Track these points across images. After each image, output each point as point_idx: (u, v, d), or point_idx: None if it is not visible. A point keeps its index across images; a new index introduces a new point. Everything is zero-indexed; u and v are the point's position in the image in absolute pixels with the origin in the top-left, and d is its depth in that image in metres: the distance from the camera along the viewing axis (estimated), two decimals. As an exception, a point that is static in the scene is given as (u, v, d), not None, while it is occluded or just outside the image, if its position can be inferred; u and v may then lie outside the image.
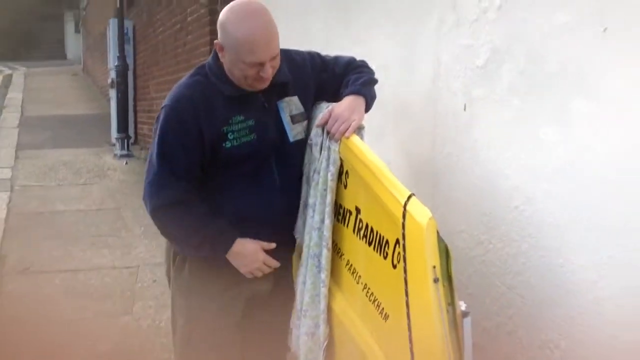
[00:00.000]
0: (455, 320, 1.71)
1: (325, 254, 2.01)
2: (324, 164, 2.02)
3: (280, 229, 2.09)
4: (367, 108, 2.11)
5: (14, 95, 14.27)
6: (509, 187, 1.99)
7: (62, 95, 14.87)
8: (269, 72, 1.94)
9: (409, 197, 1.71)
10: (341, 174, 2.03)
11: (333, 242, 2.08)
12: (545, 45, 1.83)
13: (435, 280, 1.64)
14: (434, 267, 1.63)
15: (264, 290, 2.14)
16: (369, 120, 2.12)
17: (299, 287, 2.07)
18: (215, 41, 2.00)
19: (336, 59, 2.23)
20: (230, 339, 2.11)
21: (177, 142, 1.98)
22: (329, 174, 2.00)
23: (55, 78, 18.60)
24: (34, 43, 32.85)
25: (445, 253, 1.67)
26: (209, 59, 2.09)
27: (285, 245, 2.11)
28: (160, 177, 1.98)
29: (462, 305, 1.73)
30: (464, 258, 2.18)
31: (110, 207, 6.40)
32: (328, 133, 2.02)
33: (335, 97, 2.12)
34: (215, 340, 2.09)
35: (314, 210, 2.03)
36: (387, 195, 1.79)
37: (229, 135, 1.98)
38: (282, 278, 2.15)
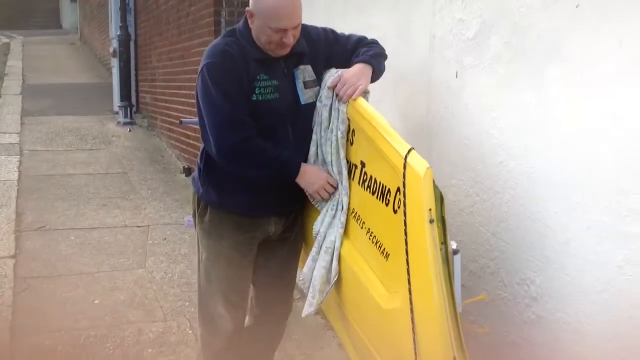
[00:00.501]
0: (447, 257, 1.99)
1: (345, 200, 2.29)
2: (334, 123, 2.29)
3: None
4: (375, 78, 2.39)
5: (14, 64, 14.36)
6: (493, 145, 2.27)
7: (61, 64, 14.98)
8: (290, 39, 2.23)
9: (409, 150, 1.98)
10: (348, 132, 2.30)
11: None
12: (527, 19, 2.09)
13: (431, 221, 1.91)
14: (430, 210, 1.91)
15: (276, 234, 2.44)
16: (372, 88, 2.39)
17: (322, 229, 2.34)
18: (247, 8, 2.27)
19: (349, 36, 2.51)
20: (241, 274, 2.44)
21: (232, 86, 2.23)
22: (339, 132, 2.28)
23: (53, 47, 18.64)
24: (29, 12, 32.68)
25: (440, 199, 1.95)
26: (239, 24, 2.36)
27: (296, 196, 2.40)
28: (231, 116, 2.22)
29: (453, 244, 2.02)
30: (454, 209, 2.46)
31: (117, 172, 6.66)
32: (337, 96, 2.29)
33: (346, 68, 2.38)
34: (229, 273, 2.42)
35: (332, 164, 2.31)
36: (389, 149, 2.06)
37: (256, 90, 2.26)
38: (292, 224, 2.44)
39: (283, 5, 2.18)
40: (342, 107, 2.29)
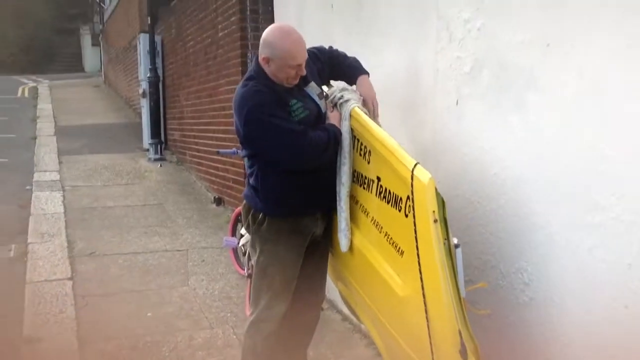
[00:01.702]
0: (450, 251, 2.46)
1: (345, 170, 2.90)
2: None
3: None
4: None
5: (44, 106, 15.16)
6: (488, 159, 2.74)
7: (88, 105, 15.75)
8: (303, 70, 2.83)
9: (415, 165, 2.47)
10: (365, 153, 2.80)
11: (361, 204, 2.85)
12: (510, 55, 2.58)
13: (435, 221, 2.39)
14: (434, 211, 2.38)
15: (320, 234, 2.99)
16: (384, 115, 2.98)
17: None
18: (262, 57, 2.82)
19: (319, 50, 3.15)
20: (291, 272, 2.94)
21: (277, 110, 2.76)
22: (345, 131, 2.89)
23: (79, 90, 19.50)
24: (52, 56, 33.90)
25: (442, 203, 2.43)
26: (251, 72, 2.92)
27: (332, 195, 2.91)
28: (292, 130, 2.74)
29: (454, 240, 2.49)
30: (459, 215, 2.92)
31: (153, 203, 7.21)
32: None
33: (332, 75, 3.11)
34: (281, 271, 2.92)
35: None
36: (399, 165, 2.54)
37: (292, 113, 2.81)
38: (328, 227, 3.00)
39: (296, 48, 2.77)
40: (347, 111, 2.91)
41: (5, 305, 4.45)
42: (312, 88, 2.95)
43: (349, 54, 3.23)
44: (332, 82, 3.13)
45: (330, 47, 3.20)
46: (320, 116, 2.93)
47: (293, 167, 2.83)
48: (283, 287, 2.92)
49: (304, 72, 2.84)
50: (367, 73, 3.08)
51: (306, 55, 2.82)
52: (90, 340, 3.86)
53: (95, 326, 4.08)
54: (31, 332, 4.01)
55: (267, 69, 2.83)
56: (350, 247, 2.89)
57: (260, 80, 2.84)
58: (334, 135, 2.84)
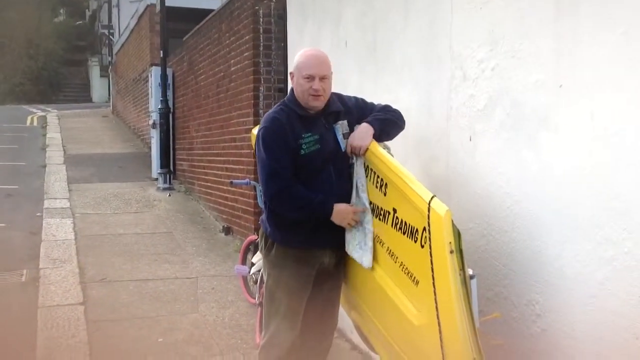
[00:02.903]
0: (465, 281, 2.54)
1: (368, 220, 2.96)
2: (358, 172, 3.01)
3: None
4: (384, 138, 3.06)
5: (53, 135, 15.33)
6: (502, 194, 2.84)
7: (97, 135, 15.94)
8: (318, 86, 2.93)
9: (432, 197, 2.57)
10: (382, 185, 2.90)
11: (377, 235, 2.94)
12: (523, 96, 2.71)
13: (451, 252, 2.47)
14: (450, 242, 2.47)
15: (331, 264, 3.03)
16: (397, 151, 3.09)
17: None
18: (290, 71, 3.04)
19: (375, 104, 3.21)
20: (297, 299, 3.01)
21: (277, 146, 2.91)
22: (359, 180, 3.00)
23: (87, 119, 19.73)
24: (60, 86, 34.37)
25: (457, 234, 2.52)
26: (285, 96, 3.12)
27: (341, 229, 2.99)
28: (273, 170, 2.89)
29: (469, 271, 2.58)
30: (472, 247, 3.01)
31: (162, 231, 7.29)
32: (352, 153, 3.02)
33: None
34: (288, 297, 3.00)
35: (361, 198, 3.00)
36: (416, 197, 2.64)
37: (302, 146, 2.93)
38: (344, 255, 3.03)
39: (309, 59, 2.94)
40: (358, 161, 3.01)
41: (18, 328, 4.51)
42: (341, 126, 3.04)
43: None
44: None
45: (388, 106, 3.20)
46: (338, 155, 3.00)
47: (266, 199, 2.96)
48: (290, 313, 3.00)
49: (320, 90, 2.92)
50: (374, 125, 3.00)
51: (322, 73, 2.93)
52: (103, 365, 3.92)
53: (108, 351, 4.13)
54: (44, 355, 4.06)
55: (294, 87, 3.00)
56: (365, 276, 2.98)
57: (288, 102, 3.01)
58: (315, 207, 2.90)
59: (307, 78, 2.92)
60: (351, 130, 3.06)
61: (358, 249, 2.96)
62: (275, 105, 3.13)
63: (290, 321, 3.00)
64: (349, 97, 3.20)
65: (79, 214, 7.88)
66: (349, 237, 3.01)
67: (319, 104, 2.98)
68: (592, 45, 2.36)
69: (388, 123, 3.08)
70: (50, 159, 12.04)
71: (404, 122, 3.17)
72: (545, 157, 2.60)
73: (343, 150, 3.02)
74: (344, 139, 3.03)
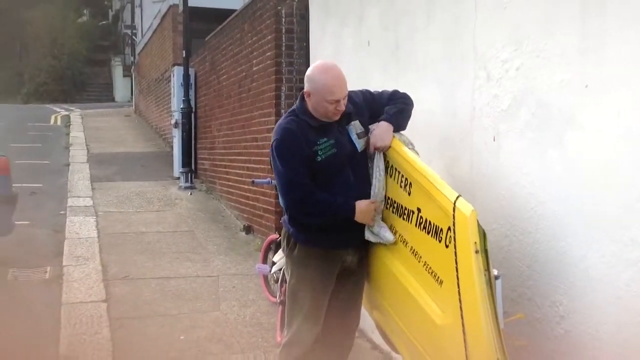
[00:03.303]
0: (490, 282, 2.53)
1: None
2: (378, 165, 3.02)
3: None
4: (397, 129, 3.06)
5: (77, 134, 15.51)
6: (526, 194, 2.82)
7: (120, 134, 16.09)
8: (342, 107, 2.93)
9: (457, 197, 2.56)
10: (406, 185, 2.89)
11: (400, 235, 2.94)
12: (548, 96, 2.68)
13: (477, 252, 2.47)
14: (475, 242, 2.47)
15: (354, 262, 3.04)
16: (422, 150, 3.06)
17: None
18: (304, 90, 3.00)
19: (382, 92, 3.22)
20: (320, 297, 3.02)
21: (292, 155, 2.92)
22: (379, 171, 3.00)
23: (110, 119, 19.93)
24: (83, 86, 34.76)
25: (483, 234, 2.51)
26: (296, 104, 3.08)
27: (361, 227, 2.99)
28: (290, 180, 2.91)
29: (495, 271, 2.57)
30: (495, 248, 2.99)
31: (184, 230, 7.34)
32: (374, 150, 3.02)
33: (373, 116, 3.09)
34: (310, 295, 3.01)
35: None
36: (441, 197, 2.64)
37: (318, 152, 2.93)
38: (366, 253, 3.05)
39: (334, 83, 2.90)
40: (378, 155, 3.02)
41: (41, 324, 4.58)
42: (354, 126, 3.04)
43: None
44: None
45: (396, 92, 3.20)
46: (355, 156, 3.00)
47: (286, 208, 2.98)
48: (313, 312, 3.01)
49: (344, 108, 2.93)
50: (392, 122, 3.02)
51: (346, 92, 2.93)
52: (125, 361, 3.96)
53: (130, 347, 4.17)
54: (68, 351, 4.12)
55: (309, 103, 2.97)
56: (388, 275, 2.98)
57: (300, 114, 2.98)
58: (337, 210, 2.92)
59: (333, 102, 2.90)
60: (364, 127, 3.06)
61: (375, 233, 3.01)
62: (284, 116, 3.11)
63: (312, 320, 3.01)
64: (356, 94, 3.16)
65: (101, 212, 7.97)
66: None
67: (338, 117, 2.98)
68: (618, 44, 2.34)
69: (402, 113, 3.11)
70: (73, 157, 12.19)
71: (412, 103, 3.20)
72: (571, 157, 2.57)
73: (359, 150, 3.02)
74: (359, 138, 3.03)
